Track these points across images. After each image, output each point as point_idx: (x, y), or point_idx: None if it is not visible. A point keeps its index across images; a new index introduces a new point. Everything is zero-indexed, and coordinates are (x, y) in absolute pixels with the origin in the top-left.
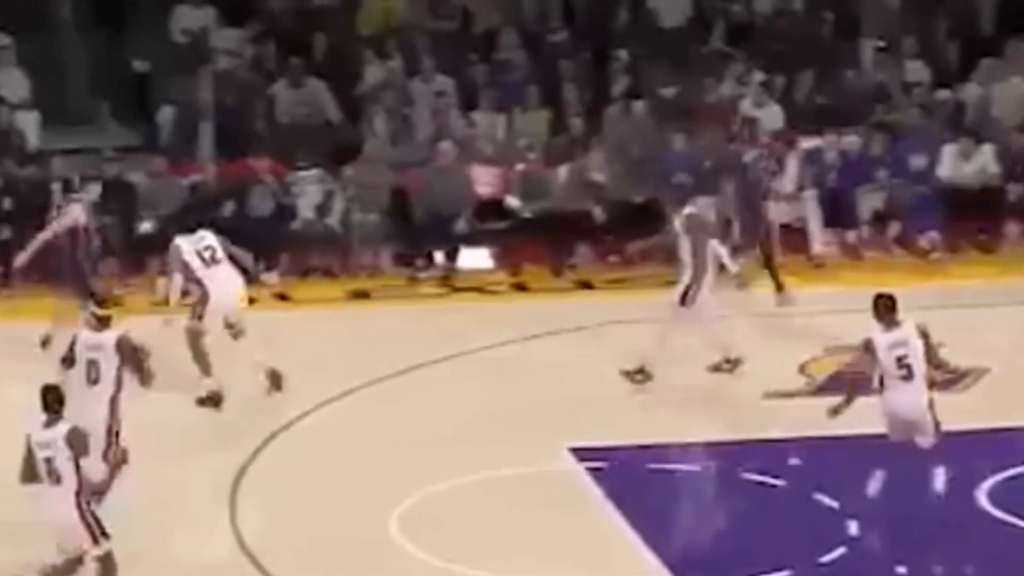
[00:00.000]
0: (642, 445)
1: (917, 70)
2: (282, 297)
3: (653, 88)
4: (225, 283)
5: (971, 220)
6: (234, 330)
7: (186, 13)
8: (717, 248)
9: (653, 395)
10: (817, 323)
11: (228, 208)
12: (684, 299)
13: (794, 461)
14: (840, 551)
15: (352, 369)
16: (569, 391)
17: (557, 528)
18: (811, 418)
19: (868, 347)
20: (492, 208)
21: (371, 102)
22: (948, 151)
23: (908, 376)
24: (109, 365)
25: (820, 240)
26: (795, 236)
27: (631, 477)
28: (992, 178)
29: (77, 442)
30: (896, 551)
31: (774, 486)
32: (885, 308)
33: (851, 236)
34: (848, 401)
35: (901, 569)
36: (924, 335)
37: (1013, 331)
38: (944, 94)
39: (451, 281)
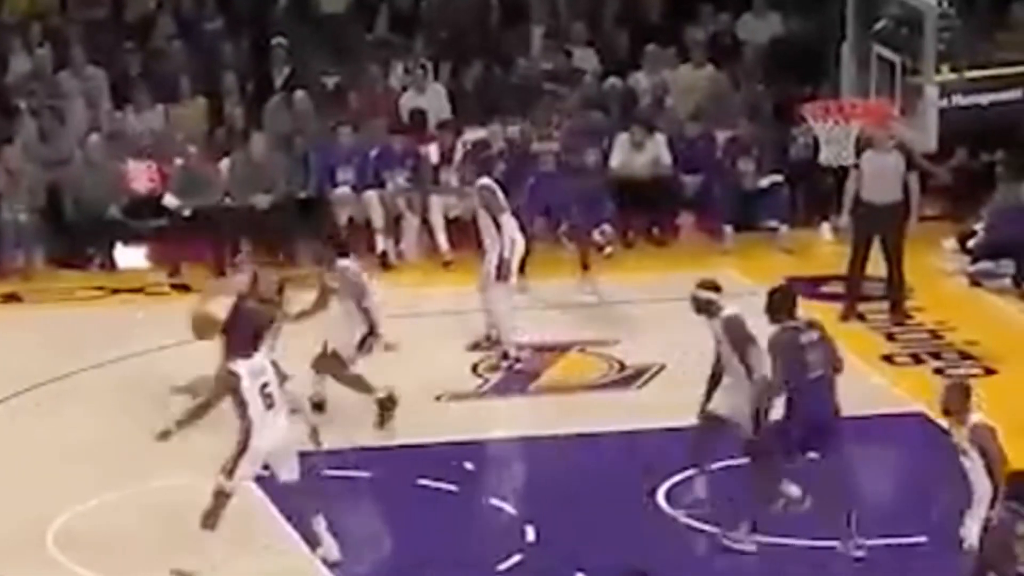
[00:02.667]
0: (315, 451)
1: (586, 58)
2: None
3: (316, 77)
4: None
5: (644, 212)
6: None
7: None
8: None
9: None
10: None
11: None
12: (499, 273)
13: (469, 465)
14: (518, 557)
15: (4, 377)
16: None
17: (222, 539)
18: (485, 420)
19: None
20: (149, 204)
21: (18, 95)
22: (620, 141)
23: None
24: None
25: None
26: (466, 230)
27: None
28: (665, 169)
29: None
30: (575, 555)
31: (449, 492)
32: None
33: None
34: None
35: (580, 574)
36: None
37: (687, 326)
38: (614, 82)
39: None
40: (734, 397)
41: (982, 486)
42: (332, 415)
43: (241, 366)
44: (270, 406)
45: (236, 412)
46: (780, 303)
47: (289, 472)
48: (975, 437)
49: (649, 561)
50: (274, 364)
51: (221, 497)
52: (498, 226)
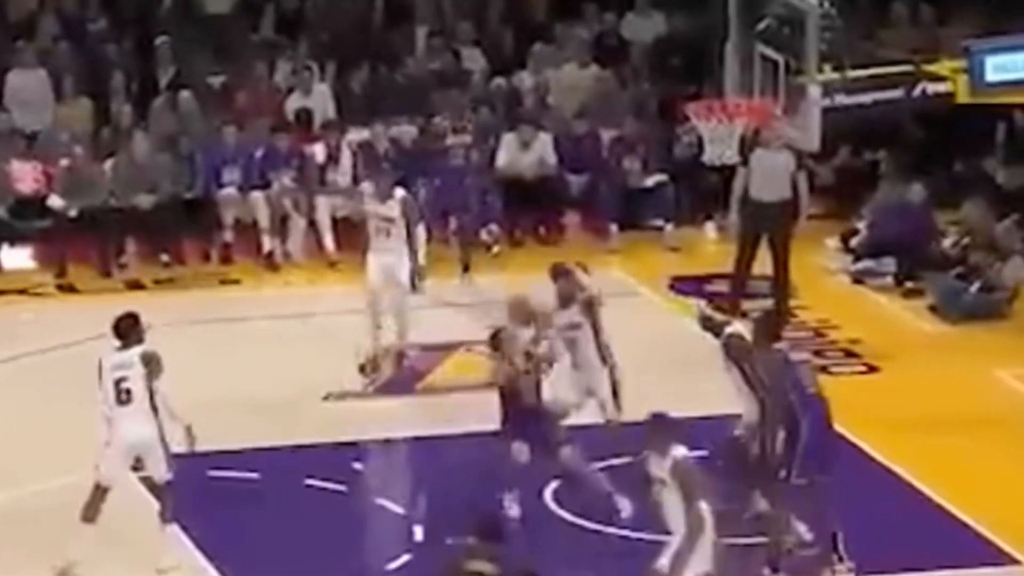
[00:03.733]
0: (201, 452)
1: (473, 57)
2: None
3: (201, 77)
4: None
5: (530, 212)
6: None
7: None
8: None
9: (213, 400)
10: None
11: None
12: (414, 284)
13: (357, 465)
14: (406, 558)
15: None
16: None
17: (112, 538)
18: (373, 420)
19: None
20: (34, 205)
21: None
22: (506, 140)
23: None
24: None
25: None
26: (354, 231)
27: (188, 485)
28: (550, 168)
29: (152, 362)
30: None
31: (337, 492)
32: None
33: None
34: None
35: None
36: None
37: None
38: (500, 82)
39: None
40: (743, 414)
41: (677, 519)
42: (219, 416)
43: (106, 357)
44: (125, 401)
45: None
46: (765, 329)
47: (155, 470)
48: (677, 471)
49: (537, 561)
50: (150, 360)
51: (96, 490)
52: (410, 236)
